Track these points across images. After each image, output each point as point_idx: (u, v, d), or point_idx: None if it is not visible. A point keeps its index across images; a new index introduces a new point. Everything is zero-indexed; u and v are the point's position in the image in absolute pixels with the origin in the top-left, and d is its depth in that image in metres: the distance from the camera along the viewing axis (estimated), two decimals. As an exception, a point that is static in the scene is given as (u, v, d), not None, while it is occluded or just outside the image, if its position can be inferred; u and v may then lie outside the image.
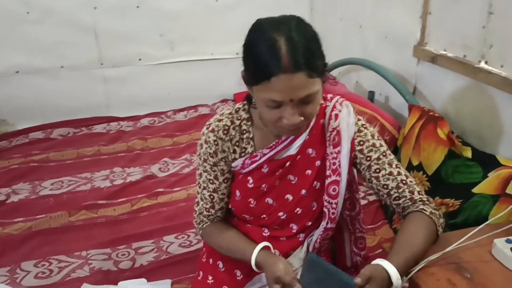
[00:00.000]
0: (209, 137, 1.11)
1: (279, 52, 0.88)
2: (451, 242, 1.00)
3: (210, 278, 1.23)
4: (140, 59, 2.93)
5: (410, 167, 1.67)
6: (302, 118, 0.95)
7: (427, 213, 1.03)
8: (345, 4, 2.68)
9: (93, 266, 1.55)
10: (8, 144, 2.54)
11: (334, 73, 2.72)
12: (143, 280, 1.46)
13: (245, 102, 1.14)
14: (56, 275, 1.52)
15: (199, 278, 1.26)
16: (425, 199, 1.07)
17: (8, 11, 2.57)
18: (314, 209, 1.14)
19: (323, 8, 2.95)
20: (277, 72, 0.88)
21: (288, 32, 0.90)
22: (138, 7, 2.80)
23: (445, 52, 1.80)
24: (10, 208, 1.92)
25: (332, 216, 1.11)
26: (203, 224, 1.21)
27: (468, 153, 1.52)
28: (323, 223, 1.12)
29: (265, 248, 1.10)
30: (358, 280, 0.87)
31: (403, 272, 0.93)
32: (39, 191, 2.06)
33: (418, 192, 1.08)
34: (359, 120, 1.12)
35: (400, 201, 1.08)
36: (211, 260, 1.26)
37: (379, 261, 0.92)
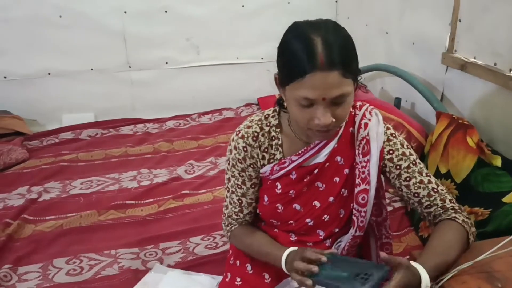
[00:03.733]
0: (238, 143, 1.12)
1: (315, 50, 0.89)
2: (483, 251, 0.99)
3: (238, 280, 1.24)
4: (166, 63, 2.98)
5: (437, 175, 1.66)
6: (334, 120, 0.95)
7: (459, 221, 1.03)
8: (370, 11, 2.68)
9: (122, 264, 1.59)
10: (40, 144, 2.61)
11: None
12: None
13: (275, 108, 1.15)
14: (87, 273, 1.56)
15: (227, 279, 1.27)
16: (457, 207, 1.07)
17: (42, 15, 2.66)
18: (341, 216, 1.15)
19: (348, 14, 2.95)
20: (312, 69, 0.89)
21: (324, 32, 0.91)
22: (166, 12, 2.85)
23: (475, 60, 1.79)
24: (42, 206, 1.98)
25: (361, 224, 1.11)
26: (232, 227, 1.23)
27: (498, 162, 1.50)
28: (352, 231, 1.13)
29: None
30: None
31: (432, 278, 0.92)
32: (70, 190, 2.11)
33: (450, 200, 1.08)
34: (388, 129, 1.12)
35: (432, 209, 1.08)
36: (238, 262, 1.27)
37: (413, 263, 0.92)
